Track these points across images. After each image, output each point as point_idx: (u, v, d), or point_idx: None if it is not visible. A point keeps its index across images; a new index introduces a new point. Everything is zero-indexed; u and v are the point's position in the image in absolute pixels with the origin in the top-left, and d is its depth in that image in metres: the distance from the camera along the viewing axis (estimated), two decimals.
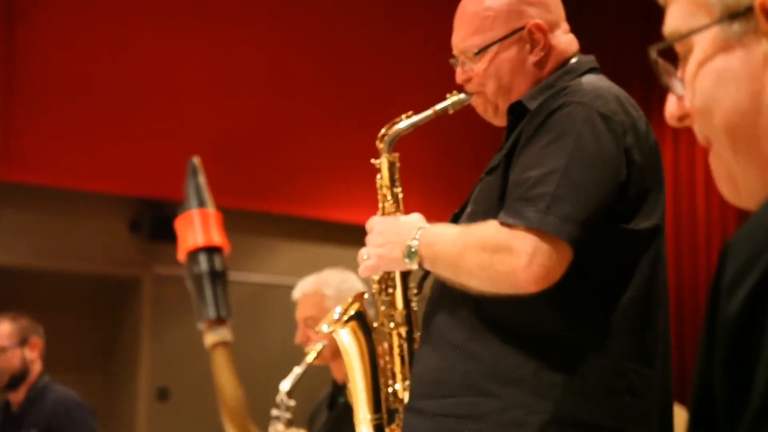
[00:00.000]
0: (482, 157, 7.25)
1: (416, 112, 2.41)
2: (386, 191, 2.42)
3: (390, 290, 2.39)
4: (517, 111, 2.26)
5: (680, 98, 1.11)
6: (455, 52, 2.37)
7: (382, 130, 2.43)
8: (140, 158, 6.29)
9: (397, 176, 2.44)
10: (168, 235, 6.48)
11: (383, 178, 2.43)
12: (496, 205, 2.16)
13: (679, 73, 1.11)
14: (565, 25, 2.36)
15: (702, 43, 1.06)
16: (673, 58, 1.13)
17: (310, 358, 3.63)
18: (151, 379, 6.79)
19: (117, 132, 6.24)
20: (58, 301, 6.77)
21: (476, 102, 2.37)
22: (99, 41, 6.23)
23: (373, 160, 2.44)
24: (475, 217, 2.20)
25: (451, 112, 2.39)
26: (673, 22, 1.10)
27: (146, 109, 6.34)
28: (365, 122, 6.54)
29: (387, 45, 7.17)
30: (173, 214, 6.50)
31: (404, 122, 2.41)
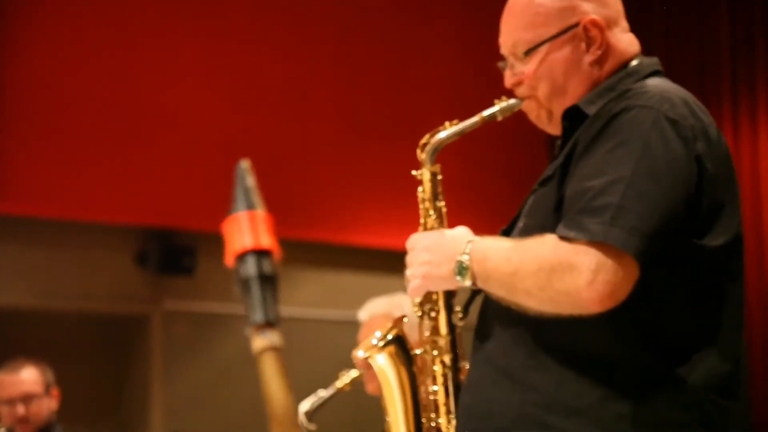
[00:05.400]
0: (521, 169, 7.06)
1: (458, 121, 2.33)
2: (428, 205, 2.34)
3: (433, 314, 2.32)
4: (573, 116, 2.19)
5: None
6: (503, 52, 2.30)
7: (424, 139, 2.35)
8: (146, 184, 6.27)
9: (439, 189, 2.36)
10: (178, 268, 6.47)
11: (425, 191, 2.36)
12: (551, 218, 2.09)
13: None
14: (624, 23, 2.28)
15: None
16: None
17: (340, 383, 3.51)
18: (164, 425, 6.68)
19: (120, 157, 6.27)
20: (59, 345, 6.60)
21: (528, 107, 2.29)
22: (97, 62, 6.25)
23: (414, 172, 2.37)
24: (528, 232, 2.12)
25: (499, 119, 2.32)
26: None
27: (151, 131, 6.35)
28: (394, 136, 6.48)
29: (412, 55, 7.21)
30: (183, 245, 6.46)
31: (448, 131, 2.34)
